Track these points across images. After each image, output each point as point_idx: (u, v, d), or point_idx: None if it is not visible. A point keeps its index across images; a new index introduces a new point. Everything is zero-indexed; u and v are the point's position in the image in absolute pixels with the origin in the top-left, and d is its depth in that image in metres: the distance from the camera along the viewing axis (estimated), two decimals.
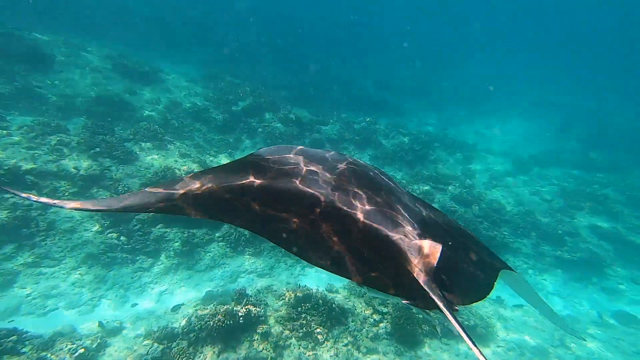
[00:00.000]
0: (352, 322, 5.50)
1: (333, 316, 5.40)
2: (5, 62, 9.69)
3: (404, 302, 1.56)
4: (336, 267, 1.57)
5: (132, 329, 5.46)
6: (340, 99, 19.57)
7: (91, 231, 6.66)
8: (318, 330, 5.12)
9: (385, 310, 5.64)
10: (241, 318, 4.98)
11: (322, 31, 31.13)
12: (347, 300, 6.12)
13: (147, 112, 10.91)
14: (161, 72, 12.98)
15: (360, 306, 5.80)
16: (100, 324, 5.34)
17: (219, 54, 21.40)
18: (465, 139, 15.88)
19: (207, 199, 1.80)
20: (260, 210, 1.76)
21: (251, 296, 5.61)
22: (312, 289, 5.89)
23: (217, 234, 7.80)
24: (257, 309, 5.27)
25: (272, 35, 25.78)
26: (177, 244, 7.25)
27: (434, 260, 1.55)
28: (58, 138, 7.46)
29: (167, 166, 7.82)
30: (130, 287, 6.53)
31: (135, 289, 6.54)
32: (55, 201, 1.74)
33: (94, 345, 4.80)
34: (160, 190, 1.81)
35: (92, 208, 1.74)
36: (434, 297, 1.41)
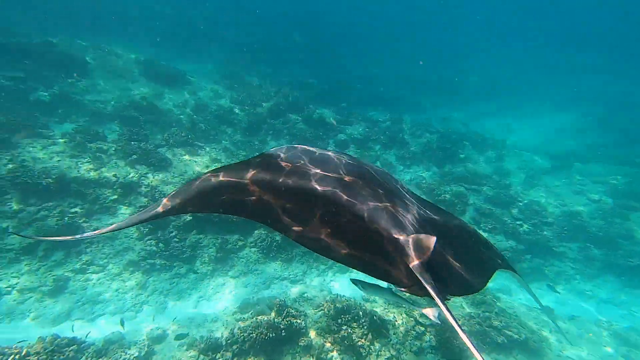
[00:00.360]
0: (393, 334, 5.42)
1: (374, 328, 5.33)
2: (44, 69, 10.13)
3: (399, 289, 1.70)
4: (337, 255, 1.74)
5: (174, 337, 5.63)
6: (362, 96, 19.27)
7: (131, 238, 6.89)
8: (360, 343, 5.08)
9: (428, 322, 5.51)
10: (283, 330, 5.00)
11: (340, 27, 30.62)
12: (387, 311, 6.03)
13: (175, 115, 11.13)
14: (186, 74, 13.20)
15: (401, 318, 5.70)
16: (122, 322, 5.53)
17: (237, 52, 21.50)
18: (495, 136, 15.25)
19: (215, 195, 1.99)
20: (262, 201, 1.94)
21: (290, 307, 5.62)
22: (350, 300, 5.84)
23: (249, 240, 7.89)
24: (298, 321, 5.28)
25: (290, 32, 25.66)
26: (211, 250, 7.38)
27: (429, 252, 1.66)
28: (97, 145, 7.73)
29: (200, 172, 7.94)
30: (169, 293, 6.73)
31: (174, 295, 6.73)
32: (95, 232, 1.98)
33: (142, 354, 4.98)
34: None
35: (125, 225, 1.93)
36: (427, 286, 1.51)
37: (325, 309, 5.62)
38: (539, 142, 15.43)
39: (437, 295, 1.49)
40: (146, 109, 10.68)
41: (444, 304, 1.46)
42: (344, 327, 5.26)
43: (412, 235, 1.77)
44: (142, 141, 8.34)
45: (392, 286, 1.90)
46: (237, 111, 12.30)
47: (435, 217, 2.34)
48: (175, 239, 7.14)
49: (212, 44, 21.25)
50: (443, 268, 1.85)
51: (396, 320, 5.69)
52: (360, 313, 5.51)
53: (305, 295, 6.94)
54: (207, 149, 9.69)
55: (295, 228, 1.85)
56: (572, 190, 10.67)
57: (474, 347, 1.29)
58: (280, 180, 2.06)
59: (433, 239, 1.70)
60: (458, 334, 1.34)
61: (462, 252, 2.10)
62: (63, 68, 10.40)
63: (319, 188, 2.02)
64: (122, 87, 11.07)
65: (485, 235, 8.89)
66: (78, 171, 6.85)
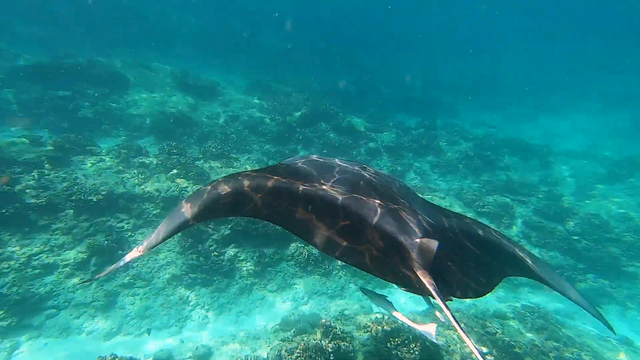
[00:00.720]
0: None
1: (427, 355, 5.06)
2: (88, 86, 10.77)
3: (401, 288, 1.86)
4: (346, 257, 1.91)
5: (219, 355, 5.65)
6: (389, 101, 18.98)
7: (174, 252, 7.06)
8: None
9: (486, 350, 5.18)
10: (331, 355, 4.86)
11: (363, 30, 30.46)
12: (438, 335, 5.73)
13: (208, 127, 11.42)
14: (217, 85, 13.55)
15: (455, 341, 5.39)
16: (149, 331, 5.59)
17: (262, 60, 21.90)
18: (537, 140, 14.41)
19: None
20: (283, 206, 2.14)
21: (336, 327, 5.48)
22: (398, 322, 5.60)
23: (286, 253, 7.85)
24: (345, 344, 5.12)
25: (312, 38, 25.83)
26: (249, 264, 7.41)
27: (431, 255, 1.79)
28: (140, 160, 8.03)
29: None
30: (210, 308, 6.80)
31: (215, 310, 6.80)
32: (133, 255, 2.07)
33: None
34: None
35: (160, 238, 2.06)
36: (428, 287, 1.63)
37: (373, 331, 5.42)
38: (588, 146, 14.43)
39: (438, 295, 1.60)
40: (181, 121, 11.04)
41: (444, 304, 1.57)
42: (394, 352, 5.03)
43: (417, 240, 1.91)
44: (180, 155, 8.57)
45: (395, 286, 2.07)
46: (267, 121, 12.44)
47: (443, 221, 2.46)
48: (214, 253, 7.23)
49: (238, 53, 21.80)
50: (447, 270, 1.99)
51: (449, 346, 5.39)
52: (410, 337, 5.26)
53: (346, 312, 6.78)
54: (241, 160, 9.82)
55: (304, 230, 2.05)
56: (636, 202, 9.74)
57: (475, 347, 1.37)
58: (292, 189, 2.23)
59: (435, 243, 1.83)
60: (459, 333, 1.49)
61: (470, 256, 2.22)
62: (105, 85, 11.00)
63: (328, 196, 2.20)
64: (158, 101, 11.52)
65: (536, 251, 8.33)
66: (124, 186, 7.12)
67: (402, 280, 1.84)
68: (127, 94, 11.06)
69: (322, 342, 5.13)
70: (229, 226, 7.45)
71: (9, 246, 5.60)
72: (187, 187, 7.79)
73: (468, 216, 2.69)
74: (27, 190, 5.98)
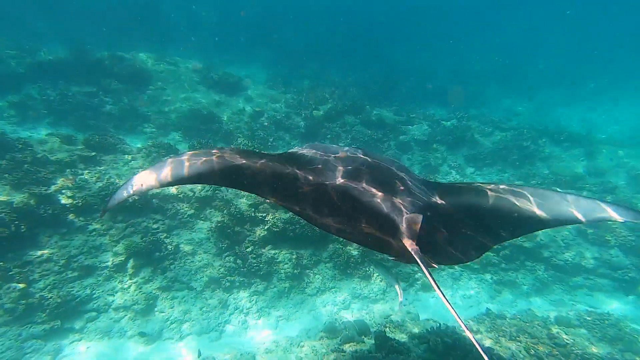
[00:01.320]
0: None
1: None
2: (112, 82, 10.62)
3: (391, 258, 2.13)
4: (343, 232, 2.19)
5: None
6: (415, 92, 18.28)
7: (210, 254, 6.84)
8: None
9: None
10: None
11: (383, 20, 29.51)
12: (498, 344, 5.33)
13: (234, 123, 11.14)
14: (241, 80, 13.23)
15: (523, 356, 4.97)
16: (199, 354, 5.40)
17: (282, 53, 21.47)
18: (576, 129, 13.56)
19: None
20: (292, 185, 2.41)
21: (390, 338, 5.13)
22: (458, 333, 5.22)
23: (324, 255, 7.54)
24: (402, 357, 4.77)
25: (332, 29, 25.19)
26: (287, 266, 7.13)
27: (417, 229, 2.05)
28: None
29: None
30: (250, 312, 6.57)
31: (254, 314, 6.56)
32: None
33: None
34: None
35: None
36: (414, 256, 1.89)
37: (431, 343, 5.05)
38: (633, 135, 13.45)
39: (422, 262, 1.83)
40: (207, 118, 10.80)
41: (427, 271, 1.79)
42: None
43: (405, 215, 2.16)
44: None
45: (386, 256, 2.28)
46: (293, 116, 12.07)
47: (434, 196, 2.62)
48: (252, 255, 6.98)
49: (256, 46, 21.43)
50: (433, 241, 2.23)
51: (515, 357, 4.97)
52: (474, 351, 4.87)
53: (392, 318, 6.44)
54: None
55: (304, 210, 2.29)
56: None
57: (457, 315, 1.54)
58: (299, 172, 2.51)
59: (420, 217, 2.11)
60: (440, 297, 1.64)
61: (457, 228, 2.42)
62: (129, 81, 10.83)
63: (327, 179, 2.47)
64: (183, 97, 11.30)
65: (595, 249, 7.75)
66: None
67: (393, 251, 2.11)
68: (150, 89, 10.88)
69: (377, 355, 4.81)
70: (265, 227, 7.18)
71: (48, 248, 5.47)
72: (220, 187, 7.55)
73: (470, 183, 2.77)
74: (63, 191, 5.82)
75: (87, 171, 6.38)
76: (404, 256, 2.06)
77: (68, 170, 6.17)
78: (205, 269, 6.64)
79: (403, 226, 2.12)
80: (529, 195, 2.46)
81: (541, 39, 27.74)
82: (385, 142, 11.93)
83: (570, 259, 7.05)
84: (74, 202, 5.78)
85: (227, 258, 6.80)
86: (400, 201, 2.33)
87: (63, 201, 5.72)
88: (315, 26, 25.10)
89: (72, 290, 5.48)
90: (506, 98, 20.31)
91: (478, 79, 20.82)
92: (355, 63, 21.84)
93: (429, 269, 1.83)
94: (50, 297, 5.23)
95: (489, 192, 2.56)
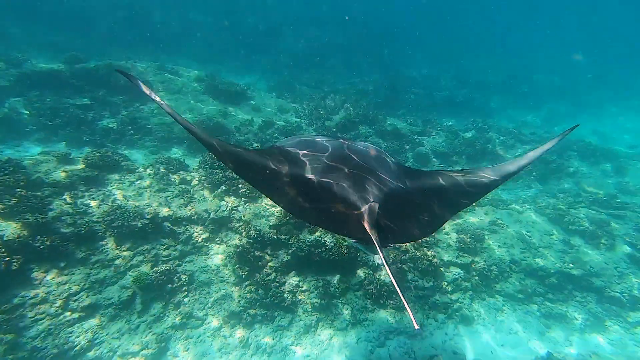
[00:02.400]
0: None
1: None
2: (109, 93, 9.98)
3: (352, 241, 2.57)
4: (310, 217, 2.57)
5: None
6: (420, 101, 18.15)
7: (228, 283, 6.17)
8: None
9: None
10: None
11: (387, 29, 29.70)
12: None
13: (243, 135, 10.61)
14: (247, 89, 12.75)
15: None
16: None
17: (282, 60, 21.21)
18: (588, 141, 13.44)
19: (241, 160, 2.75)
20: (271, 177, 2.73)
21: None
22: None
23: (352, 281, 6.92)
24: None
25: (334, 37, 25.13)
26: (313, 295, 6.49)
27: (374, 215, 2.43)
28: (181, 176, 7.19)
29: None
30: (273, 352, 5.88)
31: (278, 353, 5.87)
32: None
33: None
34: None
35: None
36: (373, 239, 2.25)
37: None
38: None
39: (377, 244, 2.24)
40: (214, 129, 10.24)
41: (381, 251, 2.19)
42: None
43: (370, 203, 2.52)
44: (225, 168, 7.72)
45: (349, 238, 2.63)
46: (304, 126, 11.61)
47: (403, 183, 2.99)
48: (274, 283, 6.32)
49: (257, 54, 21.11)
50: (390, 224, 2.56)
51: None
52: None
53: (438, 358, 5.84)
54: None
55: (281, 197, 2.57)
56: None
57: (399, 288, 1.90)
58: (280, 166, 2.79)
59: (376, 205, 2.49)
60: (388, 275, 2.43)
61: (415, 209, 2.82)
62: (126, 92, 10.20)
63: (301, 169, 2.77)
64: (187, 107, 10.73)
65: None
66: (169, 207, 6.26)
67: (356, 235, 2.40)
68: (151, 100, 10.25)
69: None
70: (289, 251, 6.56)
71: (44, 286, 4.73)
72: (238, 205, 6.93)
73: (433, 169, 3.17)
74: (63, 218, 5.12)
75: (89, 193, 5.70)
76: (361, 238, 2.42)
77: (67, 193, 5.47)
78: (223, 302, 5.96)
79: (366, 212, 2.47)
80: (476, 171, 3.08)
81: (540, 51, 28.33)
82: (402, 153, 11.53)
83: (626, 291, 6.57)
84: (75, 229, 5.08)
85: (247, 288, 6.14)
86: (368, 188, 2.70)
87: (62, 229, 5.02)
88: (315, 33, 25.00)
89: (71, 337, 4.73)
90: (511, 109, 20.40)
91: (481, 89, 20.90)
92: (358, 71, 21.72)
93: (382, 249, 2.22)
94: (45, 348, 4.47)
95: (446, 174, 3.12)
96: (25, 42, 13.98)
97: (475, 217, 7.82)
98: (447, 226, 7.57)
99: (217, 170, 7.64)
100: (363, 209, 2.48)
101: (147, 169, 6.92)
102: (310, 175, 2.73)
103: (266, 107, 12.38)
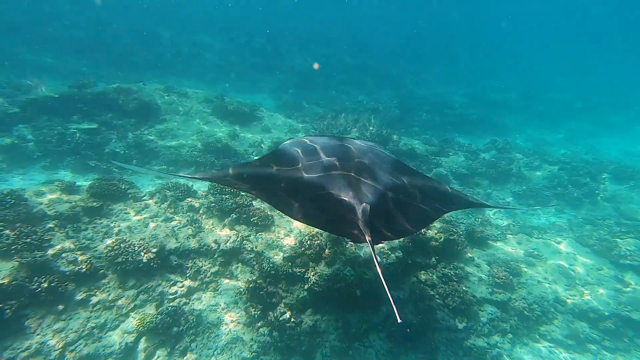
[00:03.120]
0: None
1: None
2: (116, 116, 9.94)
3: (348, 240, 3.48)
4: (312, 221, 2.86)
5: None
6: (433, 119, 17.96)
7: (240, 324, 5.70)
8: None
9: None
10: None
11: (392, 45, 30.17)
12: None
13: (253, 157, 10.39)
14: (256, 109, 12.69)
15: None
16: None
17: (290, 80, 21.41)
18: (617, 161, 12.91)
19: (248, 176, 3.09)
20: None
21: None
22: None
23: (374, 320, 6.38)
24: None
25: (340, 55, 25.52)
26: (332, 337, 5.95)
27: (366, 216, 2.67)
28: (188, 203, 6.89)
29: (310, 233, 6.75)
30: None
31: None
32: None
33: None
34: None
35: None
36: (365, 235, 2.56)
37: None
38: None
39: (370, 243, 2.51)
40: (222, 151, 10.06)
41: (372, 249, 2.48)
42: None
43: (363, 204, 2.76)
44: (234, 194, 7.42)
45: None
46: None
47: (398, 181, 3.35)
48: (289, 323, 5.83)
49: (263, 73, 21.39)
50: (383, 222, 2.86)
51: None
52: None
53: None
54: None
55: (281, 204, 2.89)
56: None
57: (387, 287, 2.23)
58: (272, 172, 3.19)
59: (368, 207, 2.74)
60: (378, 273, 2.36)
61: (407, 208, 3.14)
62: (134, 115, 10.16)
63: (297, 172, 3.15)
64: (194, 130, 10.62)
65: None
66: (176, 239, 5.92)
67: (350, 235, 2.71)
68: (159, 123, 10.19)
69: None
70: (305, 287, 6.10)
71: (39, 335, 4.34)
72: (249, 235, 6.56)
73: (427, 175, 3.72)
74: (64, 255, 4.80)
75: (92, 225, 5.40)
76: (358, 238, 2.64)
77: (69, 226, 5.18)
78: (234, 346, 5.47)
79: (359, 213, 2.69)
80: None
81: (555, 69, 28.17)
82: None
83: None
84: (76, 267, 4.75)
85: (260, 330, 5.66)
86: (363, 189, 2.94)
87: (62, 268, 4.68)
88: (322, 52, 25.37)
89: None
90: (528, 127, 19.99)
91: (495, 107, 20.68)
92: (366, 89, 21.79)
93: (374, 246, 2.50)
94: None
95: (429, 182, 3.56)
96: (35, 67, 14.29)
97: (507, 247, 7.31)
98: (477, 257, 7.07)
99: (227, 196, 7.34)
100: (357, 210, 2.73)
101: (154, 197, 6.65)
102: (308, 181, 3.01)
103: (275, 127, 12.25)
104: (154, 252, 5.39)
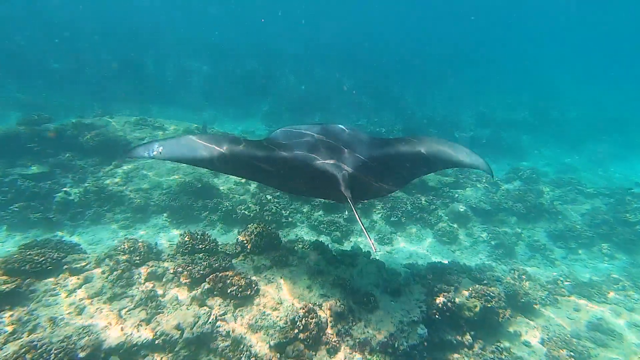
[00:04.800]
0: None
1: None
2: (76, 156, 8.77)
3: (331, 200, 4.33)
4: (302, 192, 4.78)
5: None
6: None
7: None
8: None
9: None
10: None
11: (392, 64, 29.92)
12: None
13: (238, 197, 9.15)
14: (244, 138, 11.58)
15: None
16: None
17: (284, 104, 20.67)
18: None
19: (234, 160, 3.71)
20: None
21: None
22: None
23: None
24: None
25: (336, 73, 25.00)
26: None
27: (346, 180, 3.57)
28: (148, 269, 5.53)
29: (307, 306, 5.34)
30: None
31: None
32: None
33: None
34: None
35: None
36: (348, 199, 3.44)
37: None
38: None
39: (352, 202, 3.43)
40: (203, 191, 8.86)
41: (354, 208, 3.39)
42: None
43: (343, 172, 3.67)
44: (210, 252, 6.10)
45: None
46: None
47: (374, 152, 4.13)
48: None
49: (255, 98, 20.64)
50: (362, 186, 3.87)
51: None
52: None
53: None
54: (290, 243, 7.29)
55: (272, 180, 4.07)
56: None
57: (369, 236, 3.10)
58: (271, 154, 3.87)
59: (347, 173, 3.67)
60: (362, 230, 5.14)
61: (384, 173, 4.06)
62: (99, 153, 8.99)
63: (287, 152, 3.87)
64: (170, 167, 9.45)
65: None
66: (122, 329, 4.51)
67: (335, 198, 3.93)
68: (127, 161, 9.02)
69: None
70: None
71: None
72: (225, 313, 5.16)
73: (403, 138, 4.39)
74: None
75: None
76: (341, 199, 3.70)
77: None
78: None
79: (340, 180, 3.58)
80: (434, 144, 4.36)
81: (571, 87, 27.53)
82: (432, 211, 9.90)
83: None
84: None
85: None
86: (344, 158, 3.89)
87: None
88: (320, 74, 24.89)
89: None
90: (544, 148, 19.02)
91: (507, 128, 19.79)
92: (366, 110, 21.02)
93: (356, 206, 3.43)
94: None
95: (411, 142, 4.35)
96: None
97: (562, 315, 5.89)
98: (524, 330, 5.63)
99: (200, 255, 6.02)
100: (338, 177, 3.61)
101: (101, 264, 5.30)
102: (297, 156, 3.80)
103: None
104: (82, 358, 3.97)
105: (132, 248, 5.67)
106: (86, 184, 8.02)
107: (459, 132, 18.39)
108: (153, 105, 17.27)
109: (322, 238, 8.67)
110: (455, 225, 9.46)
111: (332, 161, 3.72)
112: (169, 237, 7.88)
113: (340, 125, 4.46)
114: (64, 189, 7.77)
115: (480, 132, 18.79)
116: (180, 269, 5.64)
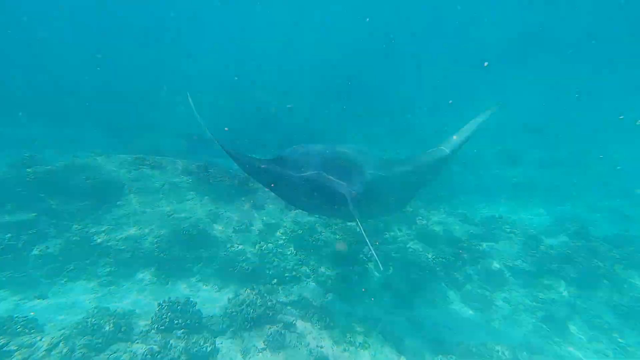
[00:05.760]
0: None
1: None
2: (64, 200, 8.25)
3: (338, 218, 7.39)
4: (310, 209, 5.77)
5: None
6: (466, 183, 15.80)
7: None
8: None
9: None
10: None
11: (406, 90, 29.52)
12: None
13: (235, 246, 8.38)
14: (248, 180, 10.95)
15: None
16: None
17: (295, 135, 20.22)
18: None
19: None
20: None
21: None
22: None
23: None
24: None
25: (351, 105, 24.69)
26: None
27: (355, 201, 3.83)
28: (118, 346, 4.68)
29: None
30: None
31: None
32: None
33: None
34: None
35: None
36: (355, 216, 3.71)
37: None
38: None
39: (359, 221, 3.71)
40: (197, 240, 8.18)
41: (360, 225, 3.66)
42: None
43: (352, 192, 3.91)
44: (190, 330, 5.21)
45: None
46: (320, 229, 9.29)
47: (381, 172, 4.44)
48: None
49: (267, 134, 20.34)
50: (370, 206, 4.47)
51: None
52: None
53: None
54: (287, 305, 6.31)
55: (286, 195, 4.86)
56: None
57: (376, 254, 3.55)
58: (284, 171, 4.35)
59: (356, 193, 3.92)
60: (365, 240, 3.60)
61: (388, 193, 4.65)
62: (88, 197, 8.44)
63: (297, 170, 4.24)
64: (165, 211, 8.83)
65: None
66: None
67: (342, 216, 4.87)
68: (118, 206, 8.45)
69: None
70: None
71: None
72: None
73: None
74: None
75: None
76: (349, 217, 4.24)
77: None
78: None
79: (349, 200, 3.82)
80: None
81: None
82: (459, 268, 8.73)
83: None
84: None
85: None
86: (352, 180, 4.11)
87: None
88: (333, 106, 24.64)
89: None
90: (590, 193, 16.25)
91: (540, 166, 18.23)
92: (383, 144, 20.31)
93: (361, 224, 3.67)
94: None
95: (413, 157, 4.90)
96: None
97: None
98: None
99: (180, 331, 5.17)
100: (348, 197, 3.83)
101: (54, 350, 4.49)
102: (309, 177, 4.14)
103: (270, 202, 10.33)
104: None
105: (96, 326, 4.86)
106: (70, 234, 7.44)
107: (485, 170, 17.20)
108: (154, 143, 16.99)
109: (329, 296, 7.67)
110: (488, 292, 8.17)
111: (341, 180, 4.01)
112: (154, 296, 7.07)
113: (351, 145, 4.88)
114: (44, 244, 7.20)
115: (509, 171, 17.44)
116: (158, 348, 4.78)
